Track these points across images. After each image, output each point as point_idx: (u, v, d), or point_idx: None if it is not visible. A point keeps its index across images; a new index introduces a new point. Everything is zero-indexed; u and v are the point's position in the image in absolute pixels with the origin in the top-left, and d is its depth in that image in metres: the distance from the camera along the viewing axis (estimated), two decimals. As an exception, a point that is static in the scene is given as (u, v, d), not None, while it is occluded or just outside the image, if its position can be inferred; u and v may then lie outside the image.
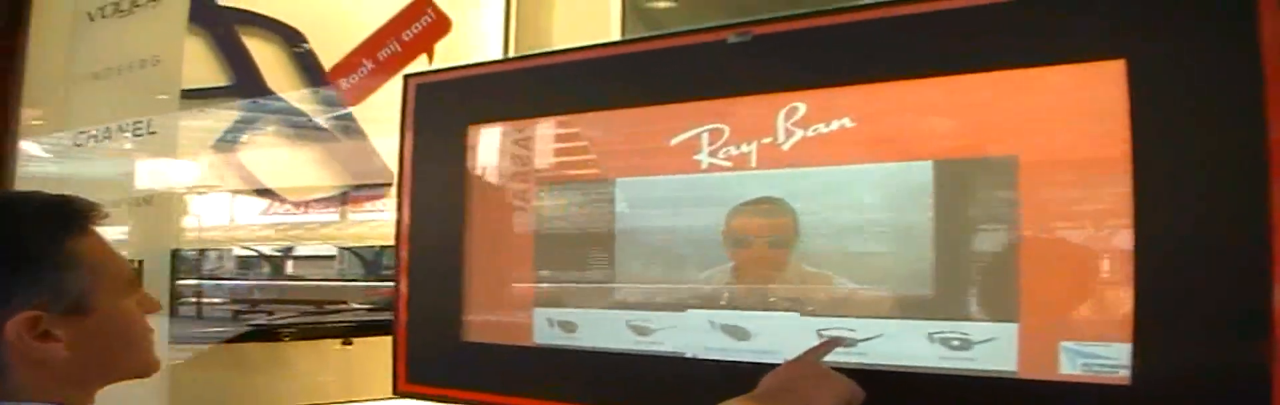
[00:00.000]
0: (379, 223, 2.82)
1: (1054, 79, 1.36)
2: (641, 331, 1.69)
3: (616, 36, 2.30)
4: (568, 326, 1.77)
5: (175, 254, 2.59)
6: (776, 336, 1.55)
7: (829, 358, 1.46)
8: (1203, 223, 1.26)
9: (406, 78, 2.01)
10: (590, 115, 1.78)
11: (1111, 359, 1.30)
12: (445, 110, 1.94)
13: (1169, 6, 1.34)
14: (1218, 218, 1.25)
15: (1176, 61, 1.28)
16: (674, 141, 1.67)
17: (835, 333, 1.51)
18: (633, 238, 1.72)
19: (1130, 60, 1.30)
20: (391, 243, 2.06)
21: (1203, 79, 1.31)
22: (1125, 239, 1.29)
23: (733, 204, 1.62)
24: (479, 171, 1.90)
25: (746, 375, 1.52)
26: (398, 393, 2.01)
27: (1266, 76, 1.27)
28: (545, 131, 1.86)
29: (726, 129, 1.62)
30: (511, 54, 2.55)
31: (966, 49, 1.42)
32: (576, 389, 1.72)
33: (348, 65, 2.44)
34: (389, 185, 2.73)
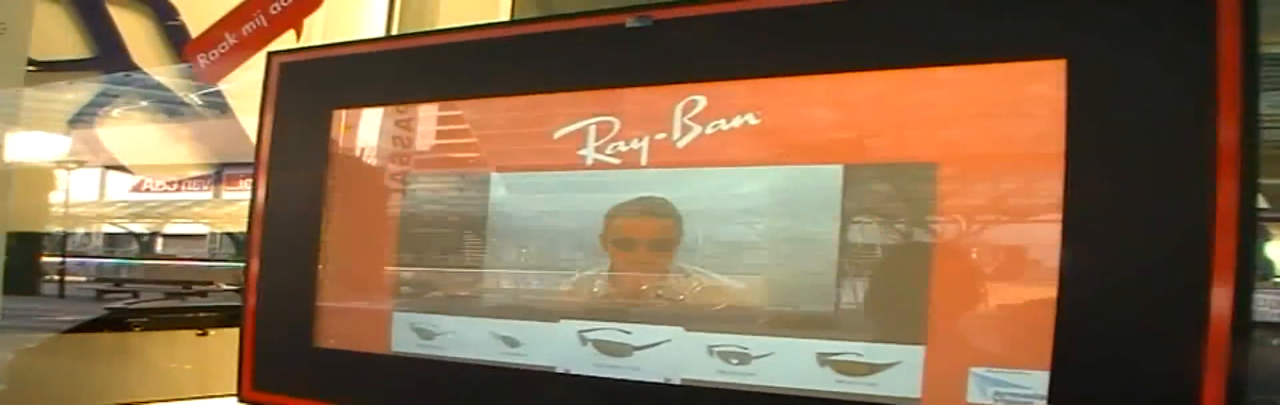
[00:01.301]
0: None
1: (985, 79, 1.24)
2: (510, 342, 1.54)
3: (505, 18, 2.08)
4: (429, 334, 1.62)
5: (18, 235, 2.34)
6: (659, 351, 1.42)
7: (714, 377, 1.36)
8: (1137, 239, 1.14)
9: (270, 55, 1.85)
10: (467, 103, 1.63)
11: (1026, 388, 1.18)
12: (309, 91, 1.79)
13: (1116, 4, 1.20)
14: (1152, 237, 1.14)
15: (1122, 62, 1.16)
16: (558, 134, 1.52)
17: (724, 350, 1.37)
18: (506, 237, 1.59)
19: (1072, 60, 1.17)
20: None
21: (1149, 83, 1.18)
22: (1050, 256, 1.17)
23: (615, 202, 1.49)
24: (341, 159, 1.75)
25: (626, 394, 1.42)
26: (242, 400, 1.81)
27: (1219, 83, 1.11)
28: (417, 118, 1.74)
29: (617, 122, 1.47)
30: (395, 32, 2.35)
31: (889, 43, 1.29)
32: (438, 403, 1.59)
33: (208, 40, 2.20)
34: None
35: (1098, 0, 1.21)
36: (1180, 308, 1.10)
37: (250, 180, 2.49)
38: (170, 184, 3.12)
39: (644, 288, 1.49)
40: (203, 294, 4.01)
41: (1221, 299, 1.08)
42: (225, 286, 4.26)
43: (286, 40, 2.13)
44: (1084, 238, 1.16)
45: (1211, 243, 1.08)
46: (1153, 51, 1.17)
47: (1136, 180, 1.15)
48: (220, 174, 3.19)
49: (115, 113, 2.77)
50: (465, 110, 1.67)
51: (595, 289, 1.53)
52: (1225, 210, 1.11)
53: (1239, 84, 1.12)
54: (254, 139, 2.31)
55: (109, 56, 2.65)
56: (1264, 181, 1.12)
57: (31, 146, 2.46)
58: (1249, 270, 1.10)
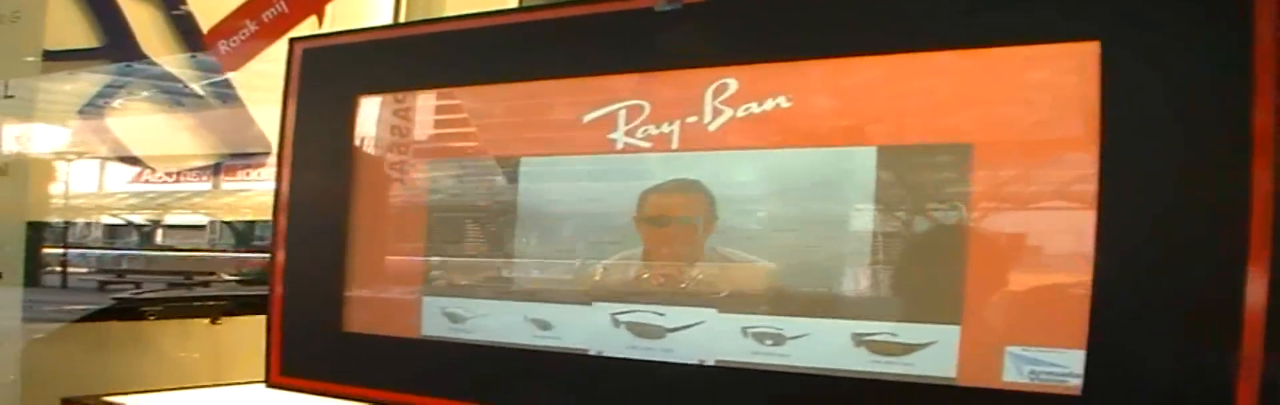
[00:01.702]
0: (252, 193, 2.62)
1: (1019, 61, 1.23)
2: (543, 326, 1.55)
3: (514, 4, 2.08)
4: (460, 318, 1.62)
5: (33, 226, 2.36)
6: (692, 333, 1.42)
7: (748, 358, 1.36)
8: (1172, 221, 1.14)
9: (292, 42, 1.83)
10: (495, 88, 1.62)
11: (1062, 367, 1.18)
12: (333, 78, 1.77)
13: None
14: (1189, 217, 1.13)
15: (1157, 46, 1.16)
16: (588, 118, 1.52)
17: (759, 331, 1.37)
18: (537, 222, 1.58)
19: (1105, 43, 1.17)
20: (265, 216, 1.89)
21: (1184, 67, 1.17)
22: (1086, 236, 1.16)
23: (648, 185, 1.49)
24: (367, 145, 1.74)
25: (659, 376, 1.42)
26: (271, 385, 1.81)
27: (1256, 70, 1.12)
28: (443, 104, 1.74)
29: (647, 106, 1.47)
30: (402, 19, 2.35)
31: (922, 25, 1.29)
32: (469, 387, 1.58)
33: (228, 27, 2.20)
34: (267, 155, 2.53)
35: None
36: (1215, 290, 1.10)
37: (248, 171, 2.51)
38: (170, 175, 3.08)
39: (677, 268, 1.49)
40: (205, 284, 4.00)
41: (1257, 282, 1.07)
42: (227, 277, 4.26)
43: (308, 27, 2.12)
44: (1119, 219, 1.16)
45: (1247, 226, 1.08)
46: (1188, 35, 1.17)
47: (1172, 162, 1.14)
48: (219, 165, 3.17)
49: (123, 102, 2.75)
50: (492, 95, 1.64)
51: (628, 271, 1.52)
52: (1261, 194, 1.11)
53: (1275, 68, 1.12)
54: (262, 128, 2.33)
55: (117, 46, 2.63)
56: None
57: (41, 137, 2.44)
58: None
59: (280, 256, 1.84)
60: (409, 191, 1.74)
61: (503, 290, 1.63)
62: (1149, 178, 1.15)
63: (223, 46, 2.20)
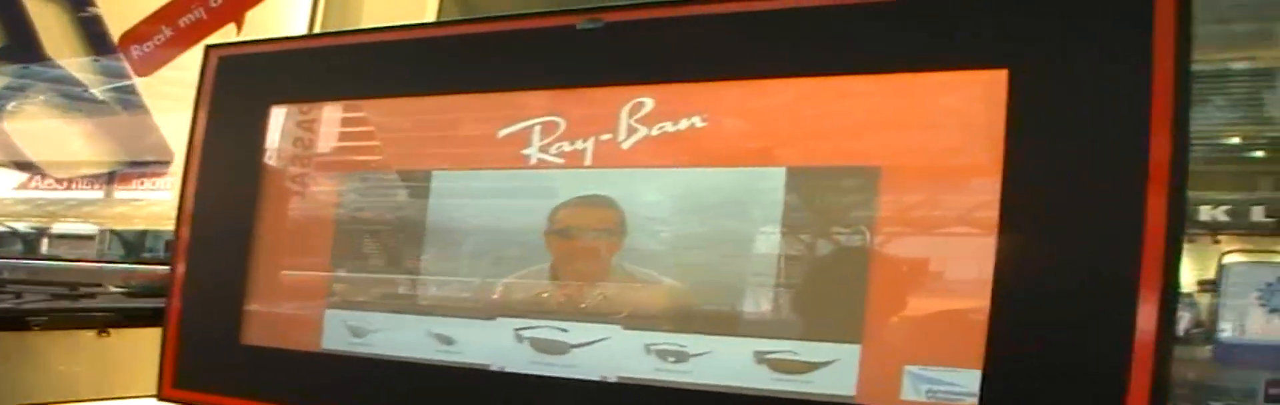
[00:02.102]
0: (146, 203, 2.57)
1: (930, 87, 1.25)
2: (445, 340, 1.53)
3: (431, 18, 2.08)
4: (362, 332, 1.60)
5: None
6: (596, 349, 1.42)
7: (651, 375, 1.37)
8: (1070, 243, 1.17)
9: (208, 48, 1.80)
10: (411, 100, 1.61)
11: (958, 386, 1.20)
12: (248, 86, 1.75)
13: (1057, 17, 1.23)
14: (1086, 239, 1.16)
15: (1062, 76, 1.19)
16: (502, 133, 1.52)
17: (662, 349, 1.38)
18: (444, 236, 1.57)
19: (1013, 70, 1.20)
20: (160, 225, 1.82)
21: (1087, 97, 1.21)
22: (986, 258, 1.18)
23: (559, 200, 1.49)
24: (278, 155, 1.71)
25: (562, 392, 1.43)
26: (163, 398, 1.77)
27: (1153, 103, 1.16)
28: (357, 116, 1.72)
29: (562, 123, 1.47)
30: (318, 28, 2.32)
31: (835, 49, 1.31)
32: (368, 401, 1.56)
33: (143, 32, 2.15)
34: (166, 164, 2.48)
35: (1038, 14, 1.24)
36: (1108, 314, 1.12)
37: (144, 179, 2.45)
38: (60, 182, 2.99)
39: (583, 285, 1.49)
40: (92, 296, 3.87)
41: (1147, 307, 1.10)
42: (114, 289, 4.11)
43: (224, 34, 2.10)
44: (1018, 245, 1.18)
45: (1140, 253, 1.11)
46: (1092, 66, 1.20)
47: (1070, 190, 1.17)
48: (114, 173, 3.11)
49: (20, 105, 2.69)
50: (407, 108, 1.62)
51: (533, 286, 1.52)
52: (1154, 222, 1.14)
53: (1172, 99, 1.16)
54: (164, 136, 2.29)
55: (19, 46, 2.58)
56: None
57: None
58: (1174, 279, 1.14)
59: (180, 268, 1.80)
60: (316, 204, 1.73)
61: (406, 304, 1.62)
62: (1048, 205, 1.17)
63: (136, 51, 2.15)
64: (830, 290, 1.32)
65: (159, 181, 2.71)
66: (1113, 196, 1.18)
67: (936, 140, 1.25)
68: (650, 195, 1.47)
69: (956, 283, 1.24)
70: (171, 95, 1.98)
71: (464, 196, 1.61)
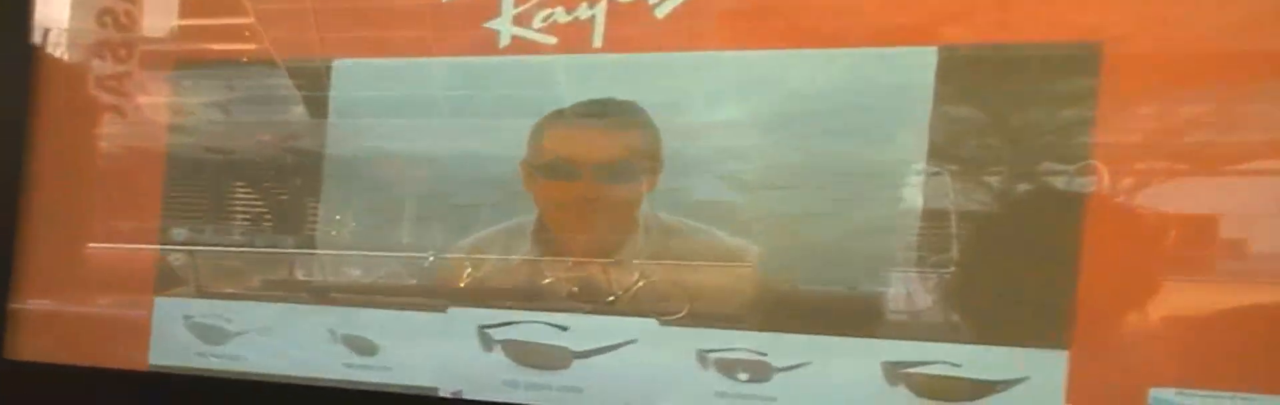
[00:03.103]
0: None
1: None
2: (362, 347, 1.53)
3: None
4: (220, 334, 1.60)
5: None
6: (617, 359, 1.44)
7: (710, 403, 1.39)
8: None
9: None
10: None
11: None
12: None
13: None
14: None
15: None
16: None
17: (728, 358, 1.38)
18: (355, 174, 1.58)
19: None
20: None
21: None
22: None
23: (548, 109, 1.48)
24: (59, 39, 1.72)
25: None
26: None
27: None
28: None
29: None
30: None
31: None
32: None
33: None
34: None
35: None
36: None
37: None
38: None
39: (593, 250, 1.47)
40: None
41: None
42: None
43: None
44: None
45: None
46: None
47: None
48: None
49: None
50: None
51: (507, 255, 1.50)
52: None
53: None
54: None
55: None
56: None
57: None
58: None
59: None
60: (133, 127, 1.71)
61: (294, 287, 1.59)
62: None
63: None
64: (1014, 262, 1.30)
65: None
66: None
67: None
68: (703, 97, 1.43)
69: (1240, 253, 1.22)
70: None
71: (386, 107, 1.57)
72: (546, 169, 1.48)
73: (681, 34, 1.43)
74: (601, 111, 1.46)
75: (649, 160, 1.43)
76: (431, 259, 1.55)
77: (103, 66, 1.72)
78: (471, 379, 1.48)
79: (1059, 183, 1.29)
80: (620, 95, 1.45)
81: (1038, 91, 1.30)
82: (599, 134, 1.48)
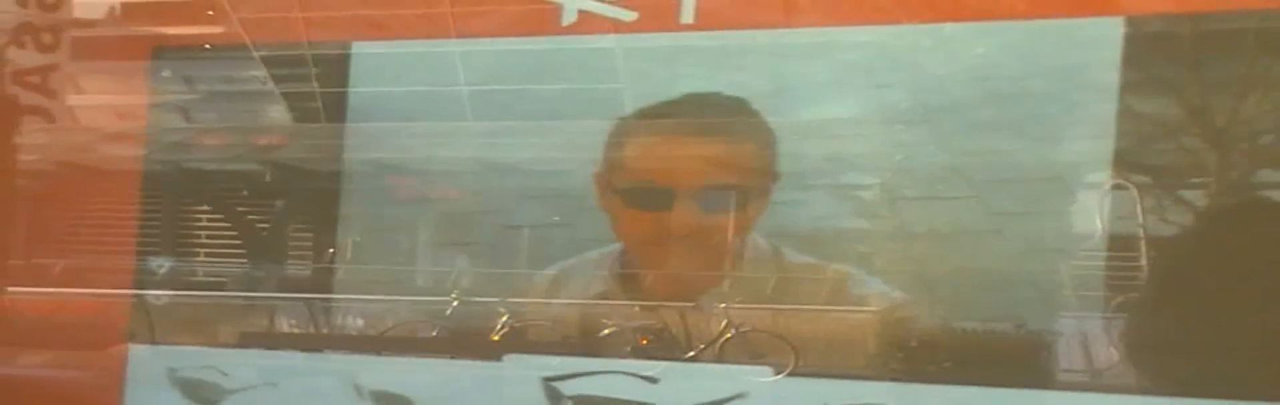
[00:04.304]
0: None
1: None
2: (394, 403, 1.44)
3: None
4: (213, 392, 1.52)
5: None
6: None
7: None
8: None
9: None
10: None
11: None
12: None
13: None
14: None
15: None
16: None
17: None
18: (378, 184, 1.54)
19: None
20: None
21: None
22: None
23: (628, 110, 1.41)
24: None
25: None
26: None
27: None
28: None
29: None
30: None
31: None
32: None
33: None
34: None
35: None
36: None
37: None
38: None
39: (684, 286, 1.41)
40: None
41: None
42: None
43: None
44: None
45: None
46: None
47: None
48: None
49: None
50: None
51: (582, 291, 1.44)
52: None
53: None
54: None
55: None
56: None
57: None
58: None
59: None
60: (102, 129, 1.66)
61: (306, 331, 1.54)
62: None
63: None
64: (1241, 297, 1.21)
65: None
66: None
67: None
68: (819, 90, 1.38)
69: None
70: None
71: (421, 103, 1.51)
72: (629, 195, 1.43)
73: (793, 5, 1.36)
74: (697, 110, 1.41)
75: (761, 178, 1.38)
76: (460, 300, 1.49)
77: (22, 57, 1.65)
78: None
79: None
80: (722, 88, 1.39)
81: (1254, 76, 1.24)
82: (696, 144, 1.42)
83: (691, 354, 1.38)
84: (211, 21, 1.59)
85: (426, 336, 1.50)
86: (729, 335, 1.37)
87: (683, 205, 1.40)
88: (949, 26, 1.31)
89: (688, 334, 1.39)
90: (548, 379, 1.39)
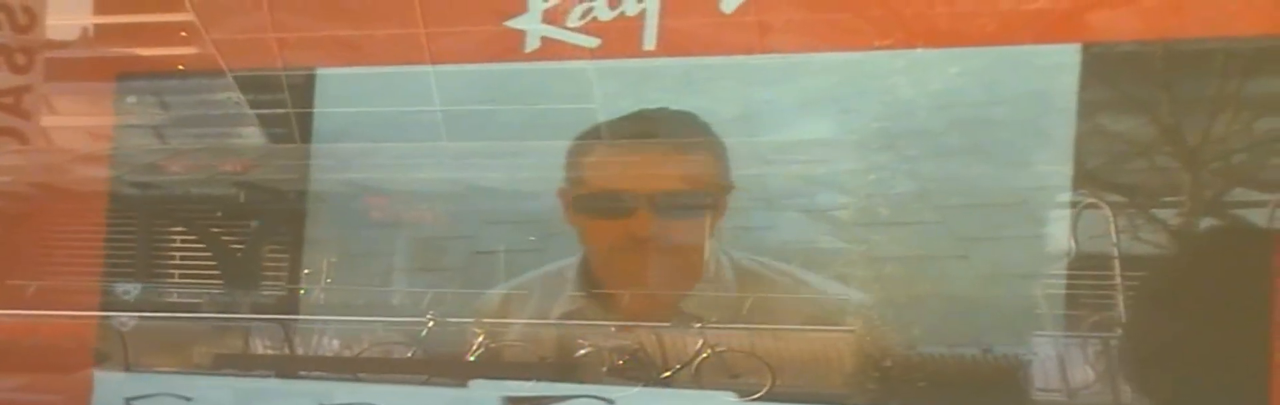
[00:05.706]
0: None
1: None
2: None
3: None
4: None
5: None
6: None
7: None
8: None
9: None
10: None
11: None
12: None
13: None
14: None
15: None
16: None
17: None
18: (344, 208, 1.54)
19: None
20: None
21: None
22: None
23: (588, 127, 1.44)
24: None
25: None
26: None
27: None
28: None
29: None
30: None
31: None
32: None
33: None
34: None
35: None
36: None
37: None
38: None
39: (650, 303, 1.43)
40: None
41: None
42: None
43: None
44: None
45: None
46: None
47: None
48: None
49: None
50: None
51: (543, 309, 1.45)
52: None
53: None
54: None
55: None
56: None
57: None
58: None
59: None
60: (65, 151, 1.69)
61: (270, 355, 1.55)
62: None
63: None
64: (1199, 320, 1.23)
65: None
66: None
67: None
68: (784, 115, 1.39)
69: None
70: None
71: (387, 125, 1.52)
72: (590, 204, 1.45)
73: (754, 31, 1.37)
74: (653, 127, 1.43)
75: (714, 186, 1.41)
76: (435, 322, 1.50)
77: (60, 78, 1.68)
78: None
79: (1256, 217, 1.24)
80: (673, 106, 1.42)
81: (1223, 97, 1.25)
82: (654, 155, 1.44)
83: (667, 374, 1.39)
84: (184, 43, 1.59)
85: (388, 358, 1.51)
86: (706, 355, 1.38)
87: (643, 211, 1.42)
88: (915, 52, 1.33)
89: (664, 353, 1.40)
90: (510, 397, 1.39)
